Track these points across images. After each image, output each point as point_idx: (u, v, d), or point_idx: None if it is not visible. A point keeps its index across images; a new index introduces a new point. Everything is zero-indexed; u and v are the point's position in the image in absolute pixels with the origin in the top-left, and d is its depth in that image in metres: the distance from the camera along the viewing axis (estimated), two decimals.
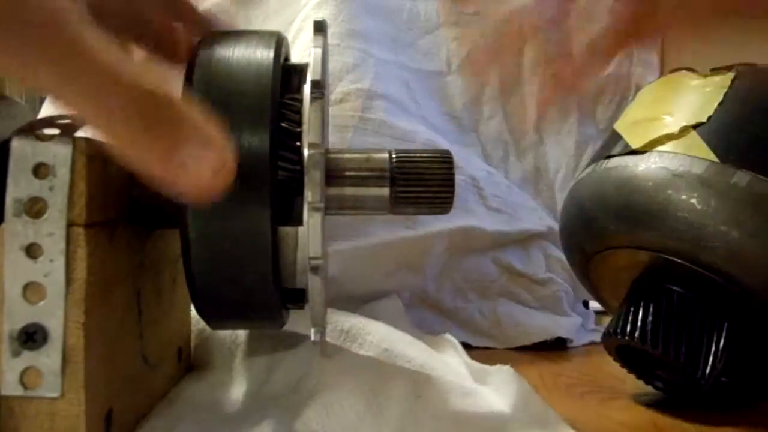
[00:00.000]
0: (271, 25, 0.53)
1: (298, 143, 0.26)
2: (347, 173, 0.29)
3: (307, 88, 0.26)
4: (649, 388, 0.37)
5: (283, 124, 0.26)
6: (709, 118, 0.34)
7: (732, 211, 0.32)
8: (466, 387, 0.33)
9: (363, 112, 0.47)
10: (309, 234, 0.25)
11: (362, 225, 0.45)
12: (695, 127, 0.34)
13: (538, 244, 0.53)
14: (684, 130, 0.34)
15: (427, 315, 0.50)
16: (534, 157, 0.57)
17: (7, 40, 0.20)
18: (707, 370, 0.33)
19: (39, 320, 0.23)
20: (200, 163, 0.21)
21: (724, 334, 0.33)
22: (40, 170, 0.23)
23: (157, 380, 0.31)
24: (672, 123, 0.35)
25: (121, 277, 0.27)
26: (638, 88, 0.58)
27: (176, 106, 0.22)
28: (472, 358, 0.38)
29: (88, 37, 0.21)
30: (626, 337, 0.34)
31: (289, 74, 0.28)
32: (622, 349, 0.36)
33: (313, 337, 0.27)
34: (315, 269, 0.25)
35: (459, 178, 0.42)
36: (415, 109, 0.51)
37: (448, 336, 0.41)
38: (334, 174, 0.29)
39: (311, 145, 0.25)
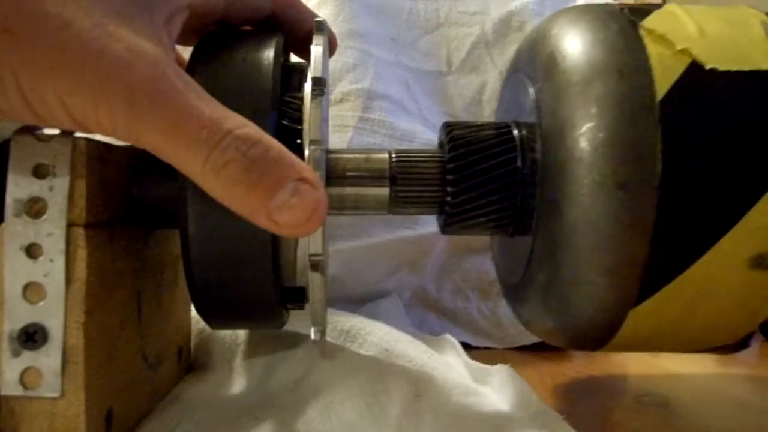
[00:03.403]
0: None
1: (298, 140, 0.26)
2: (347, 173, 0.29)
3: (307, 87, 0.26)
4: (650, 389, 0.37)
5: (283, 122, 0.26)
6: None
7: None
8: (466, 387, 0.33)
9: (363, 112, 0.47)
10: None
11: (362, 225, 0.45)
12: None
13: None
14: None
15: (427, 315, 0.50)
16: None
17: (116, 111, 0.21)
18: None
19: (39, 320, 0.23)
20: (297, 206, 0.22)
21: None
22: (40, 170, 0.23)
23: (157, 380, 0.31)
24: None
25: (121, 277, 0.27)
26: None
27: (273, 150, 0.22)
28: (472, 358, 0.38)
29: (189, 94, 0.22)
30: None
31: (289, 73, 0.28)
32: None
33: (313, 336, 0.27)
34: (315, 266, 0.25)
35: None
36: (415, 109, 0.51)
37: (448, 336, 0.41)
38: (334, 174, 0.29)
39: (312, 142, 0.25)
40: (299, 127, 0.26)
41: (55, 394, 0.23)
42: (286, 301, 0.29)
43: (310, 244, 0.25)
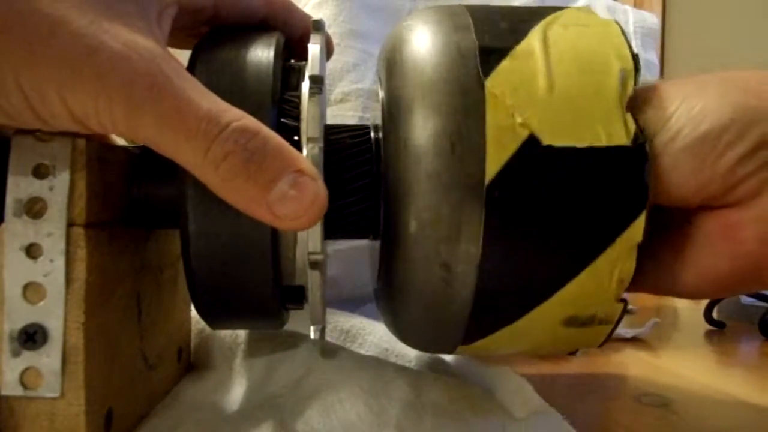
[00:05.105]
0: None
1: (296, 138, 0.26)
2: None
3: (305, 85, 0.26)
4: (650, 389, 0.37)
5: (282, 120, 0.26)
6: None
7: None
8: (466, 387, 0.33)
9: (363, 112, 0.47)
10: (308, 229, 0.25)
11: None
12: None
13: None
14: None
15: None
16: None
17: (116, 107, 0.21)
18: None
19: (39, 320, 0.23)
20: (296, 198, 0.22)
21: None
22: (40, 170, 0.23)
23: (157, 380, 0.31)
24: None
25: (121, 277, 0.27)
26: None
27: (271, 141, 0.23)
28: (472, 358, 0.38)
29: (187, 87, 0.22)
30: None
31: (288, 73, 0.28)
32: None
33: (312, 335, 0.27)
34: (314, 264, 0.25)
35: None
36: None
37: None
38: None
39: (309, 140, 0.25)
40: (297, 124, 0.26)
41: (55, 394, 0.23)
42: (285, 301, 0.29)
43: (309, 243, 0.25)
